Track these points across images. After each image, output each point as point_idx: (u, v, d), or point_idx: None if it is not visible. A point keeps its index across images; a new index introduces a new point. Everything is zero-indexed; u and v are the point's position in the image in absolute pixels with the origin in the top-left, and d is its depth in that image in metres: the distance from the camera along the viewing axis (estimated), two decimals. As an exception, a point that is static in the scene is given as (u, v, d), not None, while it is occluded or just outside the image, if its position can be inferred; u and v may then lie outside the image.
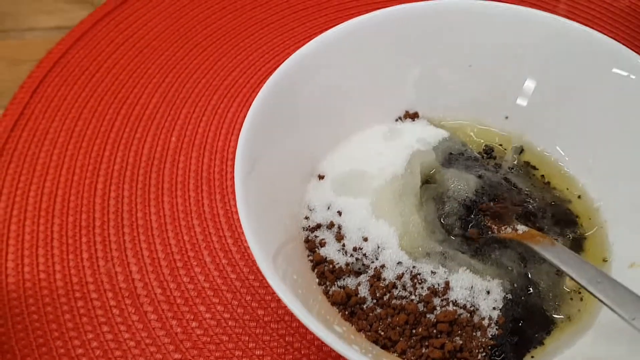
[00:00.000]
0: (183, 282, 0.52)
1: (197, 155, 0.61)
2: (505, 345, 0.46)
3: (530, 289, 0.49)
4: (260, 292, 0.52)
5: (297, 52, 0.51)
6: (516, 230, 0.49)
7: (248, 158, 0.45)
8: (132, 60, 0.70)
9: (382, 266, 0.48)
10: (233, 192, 0.56)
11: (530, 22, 0.54)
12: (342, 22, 0.54)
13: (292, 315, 0.51)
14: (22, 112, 0.64)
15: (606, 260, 0.50)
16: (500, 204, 0.51)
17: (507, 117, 0.59)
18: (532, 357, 0.46)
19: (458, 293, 0.47)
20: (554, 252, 0.45)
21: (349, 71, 0.55)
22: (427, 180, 0.53)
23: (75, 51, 0.71)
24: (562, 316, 0.48)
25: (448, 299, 0.46)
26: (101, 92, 0.66)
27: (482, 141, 0.59)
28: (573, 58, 0.53)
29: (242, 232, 0.49)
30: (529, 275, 0.49)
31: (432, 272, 0.47)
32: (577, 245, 0.52)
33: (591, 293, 0.41)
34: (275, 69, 0.49)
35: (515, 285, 0.48)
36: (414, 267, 0.48)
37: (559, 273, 0.50)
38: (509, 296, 0.48)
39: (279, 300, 0.51)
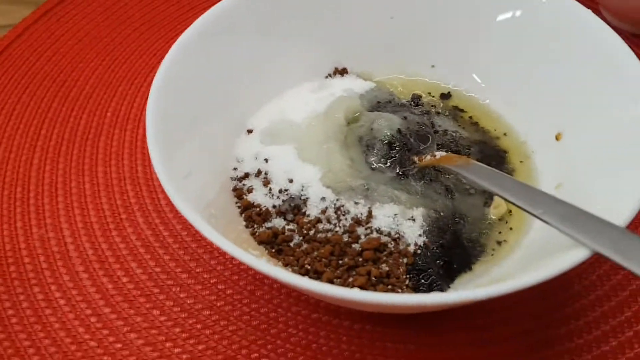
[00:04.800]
0: (115, 242, 0.52)
1: (132, 127, 0.61)
2: (433, 270, 0.45)
3: (458, 218, 0.49)
4: (192, 246, 0.52)
5: (210, 10, 0.51)
6: (434, 156, 0.49)
7: (161, 119, 0.44)
8: (72, 49, 0.71)
9: (306, 203, 0.48)
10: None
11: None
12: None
13: (224, 264, 0.51)
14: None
15: (533, 185, 0.51)
16: (424, 142, 0.52)
17: (433, 66, 0.60)
18: (461, 281, 0.46)
19: (381, 221, 0.47)
20: (470, 169, 0.46)
21: (270, 31, 0.55)
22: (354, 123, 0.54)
23: (17, 44, 0.71)
24: (489, 243, 0.48)
25: (372, 227, 0.46)
26: (40, 78, 0.67)
27: (410, 91, 0.59)
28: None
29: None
30: (456, 207, 0.49)
31: (355, 203, 0.48)
32: (507, 177, 0.52)
33: (502, 197, 0.42)
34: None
35: (442, 214, 0.49)
36: (337, 199, 0.48)
37: (487, 203, 0.50)
38: (435, 223, 0.48)
39: (211, 252, 0.51)
